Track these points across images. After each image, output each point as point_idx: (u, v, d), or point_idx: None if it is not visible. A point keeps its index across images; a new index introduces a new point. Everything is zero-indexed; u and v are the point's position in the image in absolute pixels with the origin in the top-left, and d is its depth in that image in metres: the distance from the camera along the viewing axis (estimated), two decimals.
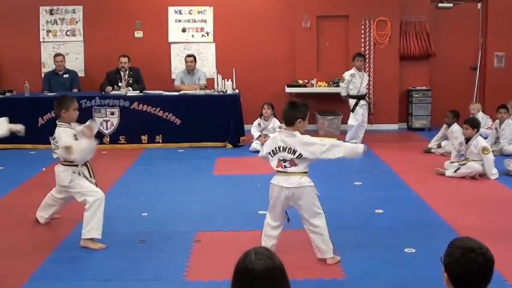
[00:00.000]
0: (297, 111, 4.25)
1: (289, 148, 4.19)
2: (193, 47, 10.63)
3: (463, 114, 8.44)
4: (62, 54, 10.06)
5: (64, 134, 4.79)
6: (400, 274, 4.15)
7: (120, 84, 9.43)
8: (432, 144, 8.61)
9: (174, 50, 10.69)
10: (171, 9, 10.63)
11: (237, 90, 9.33)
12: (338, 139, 4.53)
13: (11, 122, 5.44)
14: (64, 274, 4.20)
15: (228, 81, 9.20)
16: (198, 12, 10.66)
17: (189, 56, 9.93)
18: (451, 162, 7.26)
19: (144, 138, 9.08)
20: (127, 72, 9.68)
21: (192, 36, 10.69)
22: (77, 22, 10.63)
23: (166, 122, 9.05)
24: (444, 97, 10.45)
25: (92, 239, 4.68)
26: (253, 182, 6.54)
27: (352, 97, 9.08)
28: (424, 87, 10.64)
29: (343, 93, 9.20)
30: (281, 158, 4.22)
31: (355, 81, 9.04)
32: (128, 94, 9.19)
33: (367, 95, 9.68)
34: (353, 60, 9.17)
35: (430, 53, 10.61)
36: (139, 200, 6.09)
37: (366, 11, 10.48)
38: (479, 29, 10.94)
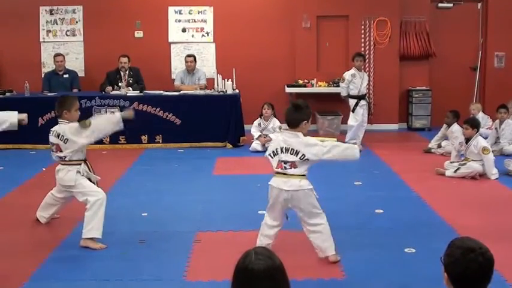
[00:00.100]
0: (302, 114, 4.25)
1: (292, 149, 4.18)
2: (193, 47, 10.63)
3: (463, 114, 8.44)
4: (62, 54, 10.06)
5: (71, 123, 4.83)
6: (400, 274, 4.15)
7: (120, 84, 9.43)
8: (432, 144, 8.61)
9: (174, 50, 10.69)
10: (171, 9, 10.63)
11: (237, 90, 9.33)
12: (338, 139, 4.53)
13: None
14: (64, 274, 4.20)
15: (228, 81, 9.20)
16: (198, 12, 10.66)
17: (189, 56, 9.93)
18: (451, 162, 7.26)
19: (144, 138, 9.08)
20: (127, 72, 9.68)
21: (192, 36, 10.70)
22: (77, 22, 10.63)
23: (166, 122, 9.06)
24: (444, 97, 10.46)
25: (92, 239, 4.68)
26: (253, 182, 6.55)
27: (353, 97, 9.07)
28: (424, 87, 10.64)
29: (344, 93, 9.19)
30: (282, 159, 4.22)
31: (355, 81, 9.03)
32: (128, 94, 9.19)
33: (367, 95, 9.68)
34: (353, 60, 9.16)
35: (430, 53, 10.61)
36: (140, 200, 6.09)
37: (366, 11, 10.48)
38: (479, 29, 10.94)
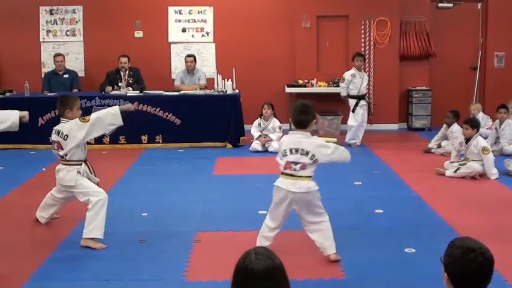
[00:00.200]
0: (310, 114, 4.25)
1: (302, 149, 4.17)
2: (193, 47, 10.63)
3: (463, 114, 8.44)
4: (62, 54, 10.06)
5: (72, 120, 4.83)
6: (400, 274, 4.15)
7: (120, 84, 9.43)
8: (432, 144, 8.61)
9: (174, 50, 10.69)
10: (171, 9, 10.63)
11: (237, 90, 9.33)
12: (338, 140, 4.53)
13: None
14: (64, 274, 4.20)
15: (228, 81, 9.20)
16: (198, 12, 10.66)
17: (189, 56, 9.93)
18: (451, 162, 7.26)
19: (144, 138, 9.08)
20: (127, 72, 9.68)
21: (192, 36, 10.70)
22: (77, 22, 10.63)
23: (166, 122, 9.06)
24: (444, 97, 10.46)
25: (93, 239, 4.68)
26: (253, 182, 6.55)
27: (352, 97, 9.08)
28: (424, 87, 10.64)
29: (343, 93, 9.20)
30: (291, 160, 4.20)
31: (355, 81, 9.04)
32: (128, 94, 9.19)
33: (367, 95, 9.68)
34: (353, 60, 9.17)
35: (430, 53, 10.61)
36: (140, 200, 6.09)
37: (366, 11, 10.48)
38: (479, 29, 10.94)
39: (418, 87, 10.65)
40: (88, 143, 5.15)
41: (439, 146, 8.49)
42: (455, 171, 7.01)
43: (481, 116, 8.84)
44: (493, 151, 7.32)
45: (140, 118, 8.94)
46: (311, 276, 4.08)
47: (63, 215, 5.37)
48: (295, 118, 4.28)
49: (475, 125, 7.19)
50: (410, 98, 10.63)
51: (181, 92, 9.38)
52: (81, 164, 4.86)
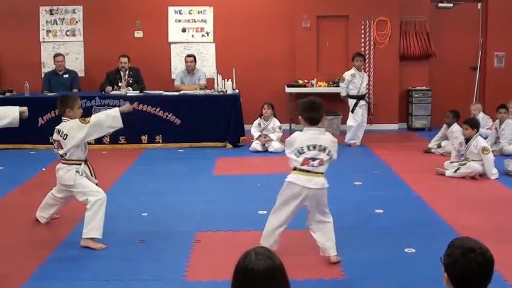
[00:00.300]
0: (321, 110, 4.28)
1: (320, 145, 4.18)
2: (193, 47, 10.63)
3: (463, 114, 8.44)
4: (62, 54, 10.06)
5: (73, 120, 4.84)
6: (400, 274, 4.15)
7: (120, 84, 9.43)
8: (432, 144, 8.61)
9: (174, 50, 10.69)
10: (171, 9, 10.63)
11: (237, 90, 9.33)
12: (338, 140, 4.53)
13: None
14: (64, 274, 4.20)
15: (228, 81, 9.20)
16: (198, 12, 10.66)
17: (189, 56, 9.93)
18: (451, 162, 7.26)
19: (144, 138, 9.08)
20: (127, 72, 9.69)
21: (192, 36, 10.70)
22: (77, 22, 10.63)
23: (166, 122, 9.06)
24: (444, 97, 10.46)
25: (92, 239, 4.68)
26: (253, 182, 6.54)
27: (352, 97, 9.08)
28: (424, 87, 10.64)
29: (343, 93, 9.21)
30: (309, 156, 4.18)
31: (355, 81, 9.04)
32: (127, 94, 9.19)
33: (367, 95, 9.68)
34: (353, 60, 9.17)
35: (430, 53, 10.62)
36: (140, 200, 6.09)
37: (366, 11, 10.48)
38: (479, 29, 10.94)
39: (418, 87, 10.65)
40: (88, 143, 5.15)
41: (439, 146, 8.49)
42: (455, 171, 7.01)
43: (481, 116, 8.84)
44: (493, 151, 7.33)
45: (140, 118, 8.93)
46: (311, 276, 4.08)
47: (63, 215, 5.37)
48: (307, 115, 4.27)
49: (475, 125, 7.19)
50: (410, 98, 10.63)
51: (181, 92, 9.38)
52: (80, 164, 4.86)
